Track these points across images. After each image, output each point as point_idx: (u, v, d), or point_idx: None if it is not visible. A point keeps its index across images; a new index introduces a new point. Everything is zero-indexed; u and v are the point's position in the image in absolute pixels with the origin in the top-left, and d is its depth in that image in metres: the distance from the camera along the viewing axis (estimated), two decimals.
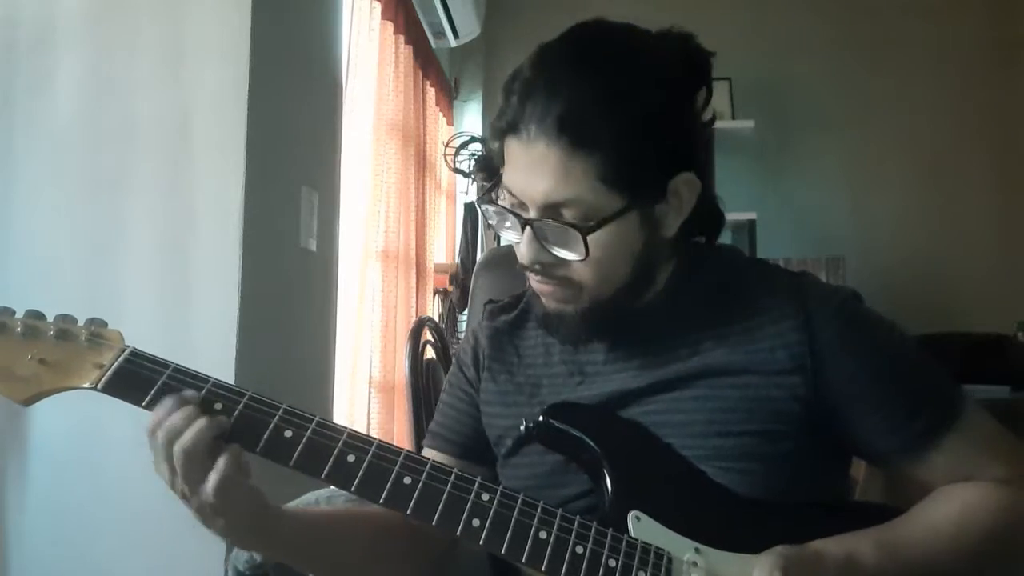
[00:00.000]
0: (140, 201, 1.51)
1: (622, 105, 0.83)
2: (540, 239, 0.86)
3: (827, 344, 0.88)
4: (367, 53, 2.51)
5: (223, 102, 1.51)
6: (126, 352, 0.82)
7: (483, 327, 1.06)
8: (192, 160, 1.51)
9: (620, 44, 0.88)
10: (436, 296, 3.42)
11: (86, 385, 0.81)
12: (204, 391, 0.80)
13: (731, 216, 3.85)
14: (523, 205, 0.87)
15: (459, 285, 3.33)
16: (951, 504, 0.87)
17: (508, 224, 0.90)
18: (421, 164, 3.17)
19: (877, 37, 3.66)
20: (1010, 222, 3.57)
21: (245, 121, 1.50)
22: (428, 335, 2.55)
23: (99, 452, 1.47)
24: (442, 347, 2.62)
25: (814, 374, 0.87)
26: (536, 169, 0.84)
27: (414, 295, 2.99)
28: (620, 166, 0.83)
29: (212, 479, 0.77)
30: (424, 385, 2.34)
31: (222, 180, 1.50)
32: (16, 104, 1.53)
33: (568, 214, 0.84)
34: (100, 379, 0.81)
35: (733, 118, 3.45)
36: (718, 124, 3.98)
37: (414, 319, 2.75)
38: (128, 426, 1.46)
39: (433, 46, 3.37)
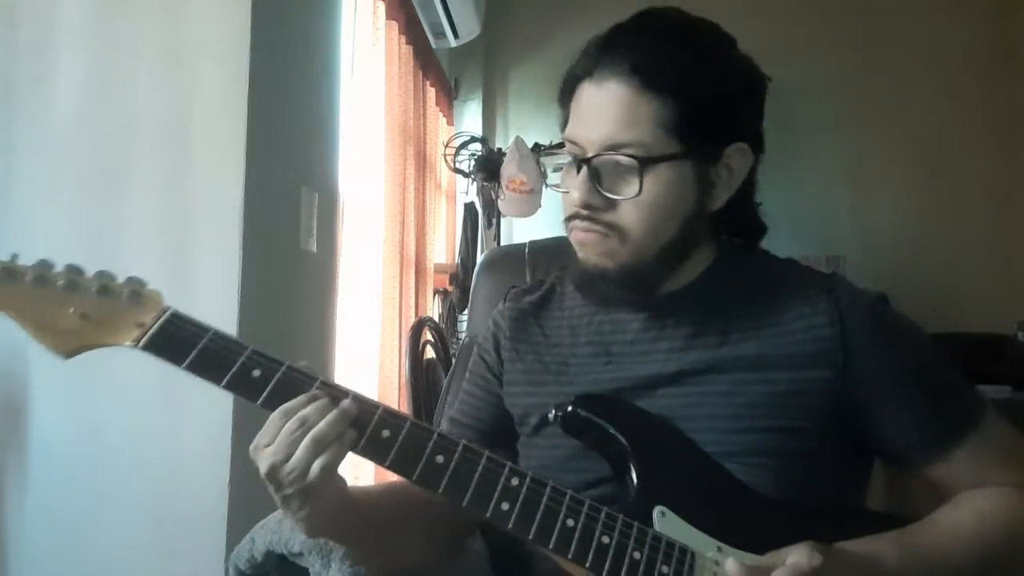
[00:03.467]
0: (140, 201, 1.51)
1: (695, 61, 0.87)
2: (593, 180, 0.88)
3: (857, 341, 0.89)
4: (372, 53, 2.51)
5: (223, 102, 1.51)
6: (167, 313, 0.82)
7: (505, 310, 1.07)
8: (192, 160, 1.51)
9: (696, 20, 0.93)
10: (436, 296, 3.42)
11: (128, 343, 0.80)
12: (244, 356, 0.81)
13: None
14: (583, 151, 0.89)
15: (459, 285, 3.33)
16: (970, 509, 0.88)
17: (562, 172, 0.92)
18: (421, 164, 3.17)
19: (877, 37, 3.66)
20: (1010, 222, 3.57)
21: (245, 121, 1.50)
22: (428, 335, 2.55)
23: (99, 452, 1.47)
24: (442, 347, 2.62)
25: (843, 370, 0.88)
26: (602, 109, 0.87)
27: (414, 295, 2.99)
28: (684, 116, 0.86)
29: (321, 460, 0.77)
30: (424, 385, 2.34)
31: (222, 180, 1.50)
32: (16, 104, 1.53)
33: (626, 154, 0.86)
34: (142, 337, 0.80)
35: None
36: None
37: (414, 319, 2.74)
38: (128, 426, 1.47)
39: (433, 46, 3.38)
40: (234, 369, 0.79)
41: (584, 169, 0.88)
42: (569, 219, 0.92)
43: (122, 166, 1.51)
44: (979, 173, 3.60)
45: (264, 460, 0.78)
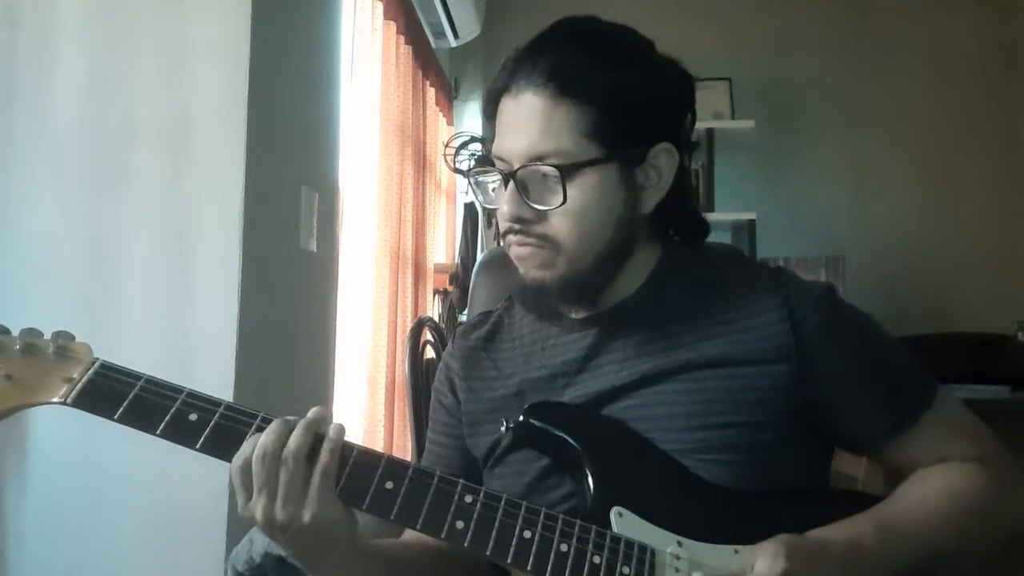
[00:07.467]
0: (140, 201, 1.51)
1: (611, 65, 0.88)
2: (521, 192, 0.88)
3: (810, 334, 0.90)
4: (370, 53, 2.51)
5: (223, 102, 1.51)
6: (96, 364, 0.80)
7: (455, 350, 1.06)
8: (192, 160, 1.51)
9: (612, 26, 0.92)
10: (436, 296, 3.42)
11: (55, 400, 0.79)
12: (179, 401, 0.79)
13: (731, 216, 3.83)
14: (509, 165, 0.90)
15: (459, 285, 3.33)
16: (937, 485, 0.90)
17: (494, 190, 0.93)
18: (421, 164, 3.17)
19: (877, 37, 3.66)
20: (1010, 222, 3.58)
21: (245, 121, 1.50)
22: (428, 335, 2.55)
23: (99, 453, 1.47)
24: (442, 347, 2.62)
25: (797, 363, 0.89)
26: (522, 122, 0.88)
27: (413, 295, 2.99)
28: (602, 120, 0.87)
29: (317, 471, 0.76)
30: (424, 385, 2.33)
31: (222, 180, 1.50)
32: (16, 104, 1.53)
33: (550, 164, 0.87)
34: (69, 393, 0.79)
35: (733, 118, 3.44)
36: (718, 124, 3.99)
37: (413, 319, 2.74)
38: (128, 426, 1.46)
39: (433, 46, 3.37)
40: (168, 417, 0.78)
41: (511, 183, 0.88)
42: (504, 234, 0.92)
43: (122, 166, 1.51)
44: (979, 173, 3.60)
45: (256, 511, 0.77)
